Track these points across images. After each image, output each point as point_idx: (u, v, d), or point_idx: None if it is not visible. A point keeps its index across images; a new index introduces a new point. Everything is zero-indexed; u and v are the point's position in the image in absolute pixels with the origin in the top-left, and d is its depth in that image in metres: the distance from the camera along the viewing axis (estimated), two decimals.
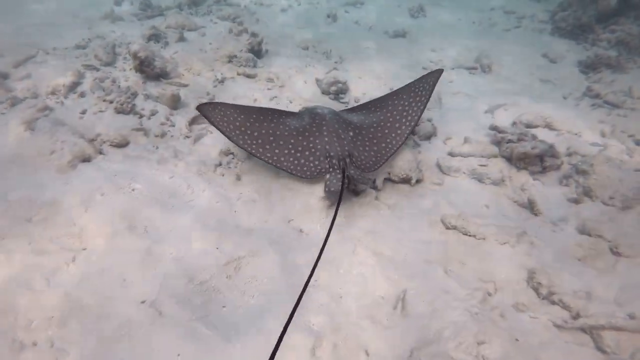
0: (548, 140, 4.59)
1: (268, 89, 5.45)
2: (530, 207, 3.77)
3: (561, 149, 4.45)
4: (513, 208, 3.81)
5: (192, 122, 4.63)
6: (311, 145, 3.70)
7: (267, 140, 3.70)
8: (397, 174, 3.87)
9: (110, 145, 4.13)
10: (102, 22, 6.98)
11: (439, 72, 4.20)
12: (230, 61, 5.96)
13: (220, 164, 4.11)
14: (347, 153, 3.61)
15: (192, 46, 6.46)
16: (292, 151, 3.67)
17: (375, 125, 3.95)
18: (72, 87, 4.95)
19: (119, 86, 5.07)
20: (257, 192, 3.68)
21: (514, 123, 4.94)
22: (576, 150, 4.40)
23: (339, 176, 3.44)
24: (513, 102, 5.35)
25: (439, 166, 4.18)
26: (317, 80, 5.62)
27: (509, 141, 4.28)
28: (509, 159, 4.25)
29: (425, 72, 6.21)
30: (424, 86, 4.08)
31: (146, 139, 4.32)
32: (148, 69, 5.21)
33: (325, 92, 5.46)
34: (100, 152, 4.03)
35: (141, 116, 4.62)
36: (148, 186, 3.53)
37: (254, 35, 6.20)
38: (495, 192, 3.96)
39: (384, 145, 3.81)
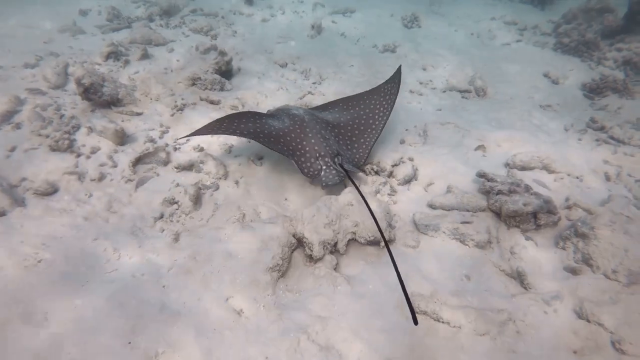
0: (545, 185, 4.10)
1: None
2: (520, 279, 3.23)
3: (559, 199, 3.91)
4: (499, 279, 3.27)
5: (138, 161, 4.11)
6: (300, 147, 3.77)
7: (269, 135, 3.76)
8: (364, 235, 3.33)
9: (35, 193, 3.61)
10: (61, 36, 6.46)
11: (398, 68, 4.58)
12: (194, 84, 5.44)
13: (161, 216, 3.59)
14: (336, 151, 3.77)
15: (156, 65, 5.94)
16: (284, 148, 3.73)
17: (351, 123, 4.13)
18: (7, 116, 4.46)
19: (62, 116, 4.56)
20: (195, 258, 3.15)
21: (507, 165, 4.39)
22: (576, 202, 3.85)
23: (334, 171, 3.66)
24: (508, 136, 4.80)
25: (415, 223, 3.64)
26: None
27: (499, 192, 3.73)
28: (498, 214, 3.71)
29: (411, 96, 5.70)
30: (392, 85, 4.34)
31: (79, 184, 3.79)
32: (95, 97, 4.69)
33: None
34: (21, 203, 3.50)
35: (79, 155, 4.10)
36: (61, 255, 3.01)
37: (222, 54, 5.67)
38: (480, 257, 3.41)
39: (362, 141, 4.02)
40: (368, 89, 4.59)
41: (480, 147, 4.67)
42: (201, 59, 5.71)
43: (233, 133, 3.67)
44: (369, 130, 4.08)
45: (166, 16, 7.45)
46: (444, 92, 6.00)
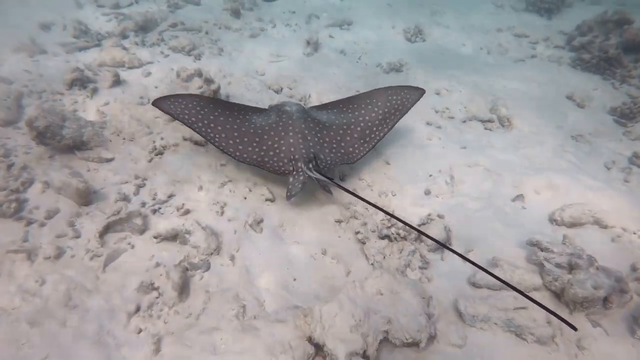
0: (601, 245, 3.51)
1: (222, 164, 4.17)
2: None
3: (623, 266, 3.31)
4: None
5: (107, 229, 3.34)
6: (276, 145, 3.68)
7: (231, 135, 3.69)
8: (400, 336, 2.65)
9: None
10: (15, 57, 5.61)
11: (421, 92, 4.20)
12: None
13: (137, 309, 2.85)
14: (312, 155, 3.62)
15: (130, 93, 5.16)
16: (257, 149, 3.66)
17: (344, 127, 3.95)
18: None
19: (11, 166, 3.77)
20: None
21: (554, 220, 3.79)
22: None
23: (301, 178, 3.50)
24: (547, 182, 4.19)
25: (458, 311, 2.97)
26: None
27: (558, 265, 3.09)
28: (558, 294, 3.07)
29: (429, 130, 5.05)
30: (403, 102, 4.10)
31: (28, 266, 3.01)
32: (53, 141, 3.91)
33: None
34: None
35: (30, 222, 3.32)
36: None
37: (208, 81, 4.93)
38: (542, 356, 2.76)
39: (350, 149, 3.84)
40: (371, 90, 4.30)
41: (518, 198, 4.05)
42: (183, 89, 4.95)
43: (212, 140, 3.62)
44: (361, 140, 3.90)
45: (142, 32, 6.65)
46: (464, 122, 5.38)
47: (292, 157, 3.59)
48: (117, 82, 5.32)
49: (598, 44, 7.30)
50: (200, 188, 3.82)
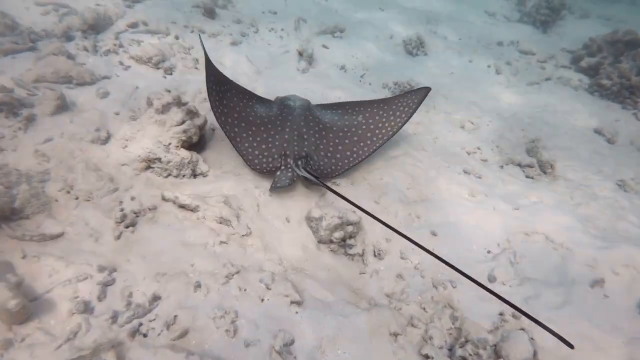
0: None
1: (222, 241, 3.11)
2: None
3: None
4: None
5: None
6: (270, 139, 3.68)
7: (232, 115, 3.71)
8: None
9: None
10: None
11: (426, 90, 4.07)
12: (149, 167, 3.54)
13: None
14: (304, 154, 3.58)
15: (81, 124, 3.93)
16: (250, 139, 3.66)
17: (345, 129, 3.92)
18: None
19: None
20: None
21: None
22: None
23: (289, 174, 3.45)
24: (626, 258, 3.51)
25: None
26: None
27: None
28: None
29: (468, 180, 4.25)
30: (408, 103, 3.98)
31: None
32: None
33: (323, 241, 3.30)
34: None
35: None
36: None
37: (191, 113, 3.79)
38: None
39: (348, 154, 3.79)
40: (381, 98, 4.26)
41: (597, 283, 3.33)
42: (157, 124, 3.76)
43: (216, 110, 3.60)
44: (361, 144, 3.83)
45: (92, 33, 5.29)
46: (502, 167, 4.63)
47: (283, 152, 3.57)
48: (63, 106, 4.05)
49: (618, 71, 6.86)
50: (198, 286, 2.74)
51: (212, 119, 3.91)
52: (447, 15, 9.54)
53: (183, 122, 3.76)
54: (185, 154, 3.64)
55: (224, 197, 3.37)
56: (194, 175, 3.67)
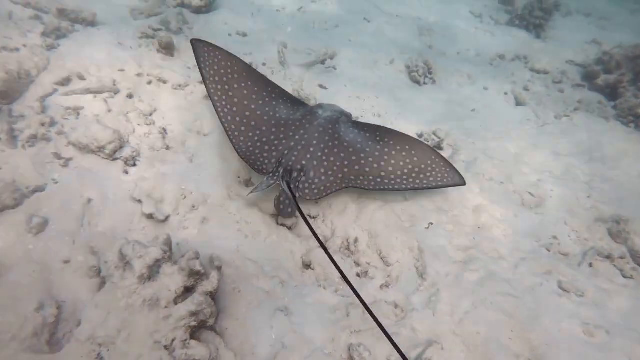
0: None
1: None
2: None
3: None
4: None
5: None
6: (276, 142, 3.58)
7: (241, 112, 3.66)
8: None
9: None
10: None
11: (461, 182, 3.72)
12: None
13: None
14: (299, 167, 3.43)
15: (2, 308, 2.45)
16: (255, 138, 3.60)
17: (362, 154, 3.63)
18: None
19: None
20: None
21: None
22: None
23: (271, 182, 3.34)
24: None
25: None
26: None
27: None
28: None
29: (575, 309, 3.29)
30: (437, 176, 3.65)
31: None
32: None
33: None
34: None
35: None
36: None
37: (196, 274, 2.46)
38: None
39: (352, 178, 3.52)
40: (415, 139, 3.91)
41: None
42: (148, 306, 2.36)
43: (220, 107, 3.64)
44: (376, 178, 3.55)
45: (3, 103, 3.64)
46: (590, 265, 3.74)
47: (280, 159, 3.46)
48: None
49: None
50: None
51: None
52: (435, 22, 8.53)
53: (187, 290, 2.44)
54: (200, 350, 2.32)
55: None
56: None
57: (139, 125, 3.94)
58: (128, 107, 4.08)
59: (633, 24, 10.46)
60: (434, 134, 4.94)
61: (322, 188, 3.41)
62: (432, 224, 3.70)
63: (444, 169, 3.69)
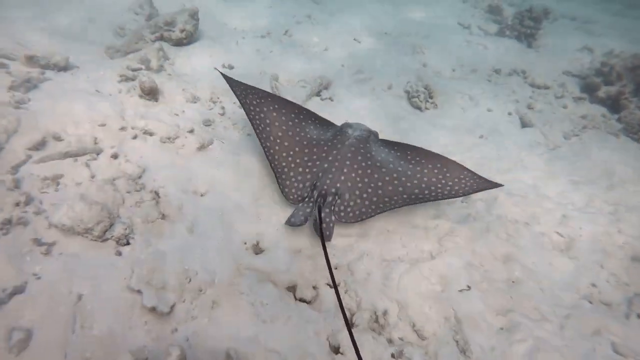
0: None
1: None
2: None
3: None
4: None
5: None
6: (309, 163, 3.62)
7: (275, 133, 3.72)
8: None
9: None
10: None
11: (497, 185, 3.68)
12: None
13: None
14: (334, 190, 3.44)
15: None
16: (289, 159, 3.64)
17: (394, 174, 3.62)
18: None
19: None
20: None
21: None
22: None
23: (307, 210, 3.37)
24: None
25: None
26: None
27: None
28: None
29: None
30: (471, 183, 3.62)
31: None
32: None
33: None
34: None
35: None
36: None
37: None
38: None
39: (387, 199, 3.49)
40: (446, 157, 3.81)
41: None
42: None
43: (259, 130, 3.72)
44: (401, 193, 3.51)
45: None
46: (639, 317, 3.47)
47: (314, 183, 3.48)
48: None
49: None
50: None
51: None
52: (425, 36, 8.31)
53: None
54: None
55: None
56: None
57: (128, 192, 3.51)
58: (114, 171, 3.65)
59: (618, 27, 10.47)
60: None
61: (358, 212, 3.41)
62: (469, 287, 3.38)
63: (477, 179, 3.68)
